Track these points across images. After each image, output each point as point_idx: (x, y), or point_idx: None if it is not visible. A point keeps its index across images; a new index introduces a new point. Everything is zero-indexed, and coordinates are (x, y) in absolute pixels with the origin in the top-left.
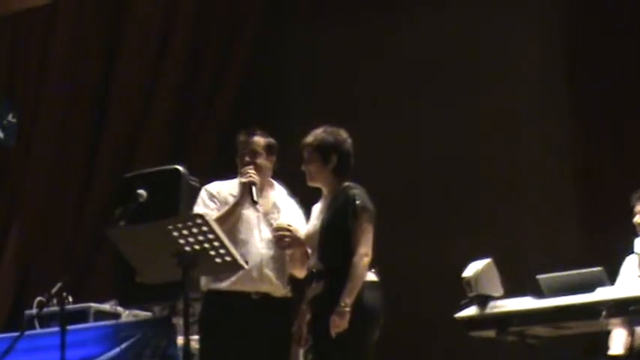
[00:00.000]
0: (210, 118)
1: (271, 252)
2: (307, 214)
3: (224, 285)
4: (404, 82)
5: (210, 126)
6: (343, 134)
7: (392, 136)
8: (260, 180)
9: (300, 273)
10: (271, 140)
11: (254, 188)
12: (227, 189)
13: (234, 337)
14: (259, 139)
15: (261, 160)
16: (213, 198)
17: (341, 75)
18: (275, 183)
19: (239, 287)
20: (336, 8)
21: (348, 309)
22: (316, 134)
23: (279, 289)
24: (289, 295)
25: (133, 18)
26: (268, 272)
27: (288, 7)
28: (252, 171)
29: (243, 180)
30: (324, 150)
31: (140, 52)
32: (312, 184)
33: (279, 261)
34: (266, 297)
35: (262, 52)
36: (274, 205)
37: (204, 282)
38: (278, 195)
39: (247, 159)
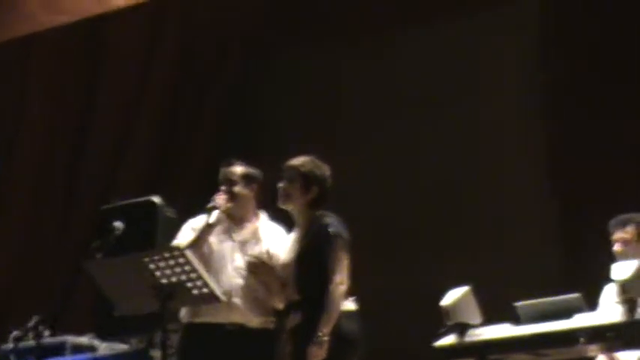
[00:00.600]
0: (192, 149)
1: (244, 282)
2: None
3: (200, 318)
4: (390, 101)
5: (191, 156)
6: (327, 171)
7: (370, 160)
8: (237, 209)
9: (279, 303)
10: (250, 170)
11: (214, 213)
12: (194, 223)
13: None
14: (235, 168)
15: (238, 189)
16: (194, 231)
17: (324, 98)
18: (260, 213)
19: (212, 319)
20: (322, 31)
21: (325, 338)
22: (304, 161)
23: (253, 319)
24: (269, 325)
25: (113, 51)
26: (237, 301)
27: (271, 35)
28: (220, 197)
29: (208, 205)
30: (308, 178)
31: (120, 83)
32: (285, 205)
33: (254, 291)
34: (241, 328)
35: (246, 78)
36: (254, 235)
37: (184, 314)
38: (262, 225)
39: (223, 187)
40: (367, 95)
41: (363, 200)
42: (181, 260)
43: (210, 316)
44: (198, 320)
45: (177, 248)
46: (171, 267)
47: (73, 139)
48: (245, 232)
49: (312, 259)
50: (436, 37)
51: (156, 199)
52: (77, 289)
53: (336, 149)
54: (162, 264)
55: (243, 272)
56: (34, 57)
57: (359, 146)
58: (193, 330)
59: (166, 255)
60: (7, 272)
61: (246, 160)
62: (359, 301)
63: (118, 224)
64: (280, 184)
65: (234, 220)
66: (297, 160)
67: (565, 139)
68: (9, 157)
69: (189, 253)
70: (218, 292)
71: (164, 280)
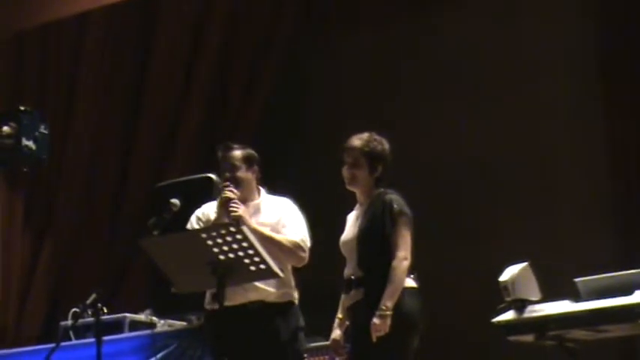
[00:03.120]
0: (240, 127)
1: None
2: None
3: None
4: (438, 84)
5: (240, 135)
6: (387, 145)
7: (422, 139)
8: (242, 193)
9: (291, 261)
10: (249, 151)
11: (236, 208)
12: (211, 209)
13: (237, 350)
14: (236, 153)
15: (241, 173)
16: (199, 221)
17: (374, 76)
18: (262, 190)
19: (231, 302)
20: (360, 14)
21: (389, 312)
22: (366, 140)
23: (270, 293)
24: (289, 299)
25: (163, 27)
26: None
27: (317, 16)
28: (229, 188)
29: (221, 198)
30: (373, 158)
31: (171, 62)
32: (352, 188)
33: None
34: (261, 304)
35: (293, 59)
36: (256, 210)
37: (207, 300)
38: (263, 200)
39: (227, 174)
40: (419, 73)
41: (418, 178)
42: (239, 236)
43: (228, 299)
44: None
45: (235, 224)
46: (229, 243)
47: (125, 116)
48: (247, 212)
49: (376, 235)
50: (487, 18)
51: (212, 175)
52: (134, 266)
53: (386, 128)
54: (219, 240)
55: None
56: (84, 35)
57: (411, 125)
58: (217, 316)
59: (223, 231)
60: (63, 249)
61: (294, 138)
62: (419, 278)
63: (175, 201)
64: (346, 168)
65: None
66: (359, 140)
67: (623, 114)
68: (62, 137)
69: (246, 229)
70: (276, 268)
71: (222, 257)
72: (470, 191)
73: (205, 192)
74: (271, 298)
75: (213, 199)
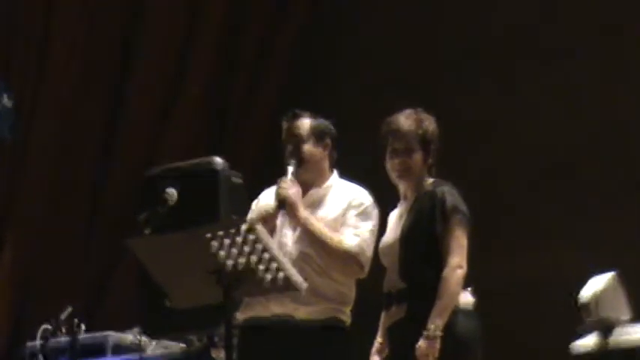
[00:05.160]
0: (255, 99)
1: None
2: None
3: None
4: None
5: (254, 109)
6: (435, 124)
7: (480, 123)
8: (306, 172)
9: (341, 271)
10: (322, 123)
11: (285, 187)
12: (267, 198)
13: None
14: (304, 122)
15: (308, 147)
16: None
17: (410, 53)
18: (333, 175)
19: (252, 313)
20: None
21: (439, 333)
22: (418, 120)
23: (298, 307)
24: (333, 316)
25: None
26: None
27: None
28: (286, 183)
29: (276, 193)
30: (429, 143)
31: (168, 16)
32: (405, 180)
33: (302, 269)
34: (287, 321)
35: (315, 23)
36: (319, 201)
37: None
38: (332, 187)
39: (290, 147)
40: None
41: (476, 169)
42: (252, 237)
43: (250, 309)
44: (240, 316)
45: (247, 221)
46: (240, 246)
47: (109, 87)
48: (306, 201)
49: (423, 237)
50: None
51: (217, 160)
52: (118, 273)
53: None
54: (227, 241)
55: (289, 250)
56: None
57: (464, 109)
58: (241, 330)
59: (233, 230)
60: (29, 252)
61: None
62: (476, 293)
63: (171, 191)
64: (397, 157)
65: (301, 185)
66: (409, 121)
67: None
68: (30, 111)
69: (261, 229)
70: (298, 278)
71: (230, 263)
72: (542, 186)
73: (209, 180)
74: (302, 315)
75: (218, 189)
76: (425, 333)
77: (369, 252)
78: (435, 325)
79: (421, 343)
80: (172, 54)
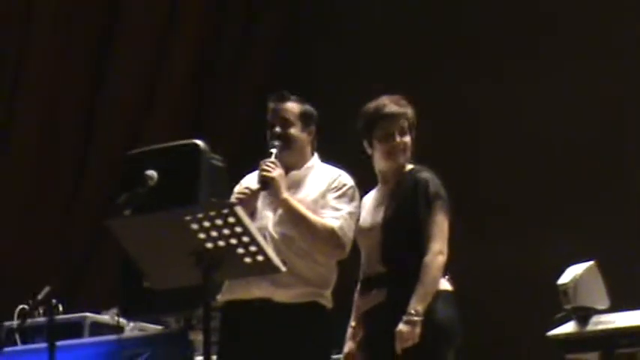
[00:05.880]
0: (239, 80)
1: (269, 241)
2: None
3: (222, 296)
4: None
5: (238, 91)
6: None
7: (470, 110)
8: (291, 155)
9: (324, 252)
10: (309, 108)
11: (270, 168)
12: (249, 183)
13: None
14: (293, 106)
15: (294, 131)
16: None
17: (405, 32)
18: (314, 157)
19: (233, 295)
20: None
21: (419, 318)
22: (406, 105)
23: (279, 291)
24: (314, 299)
25: None
26: None
27: None
28: (270, 165)
29: (259, 176)
30: (413, 127)
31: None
32: (391, 164)
33: (283, 251)
34: (267, 304)
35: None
36: (299, 182)
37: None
38: (312, 170)
39: (277, 129)
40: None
41: (457, 156)
42: (231, 220)
43: (230, 291)
44: (222, 299)
45: (227, 204)
46: (219, 228)
47: (90, 71)
48: (286, 183)
49: (405, 223)
50: None
51: (199, 142)
52: (97, 253)
53: (418, 100)
54: (206, 224)
55: (270, 232)
56: None
57: (453, 95)
58: (223, 312)
59: (213, 213)
60: (10, 232)
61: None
62: (454, 280)
63: (151, 173)
64: (390, 139)
65: (282, 167)
66: (396, 105)
67: None
68: (10, 96)
69: (240, 211)
70: (276, 260)
71: (209, 245)
72: (527, 175)
73: (190, 162)
74: (282, 297)
75: (199, 172)
76: (405, 317)
77: (351, 233)
78: (416, 309)
79: (401, 327)
80: (153, 42)
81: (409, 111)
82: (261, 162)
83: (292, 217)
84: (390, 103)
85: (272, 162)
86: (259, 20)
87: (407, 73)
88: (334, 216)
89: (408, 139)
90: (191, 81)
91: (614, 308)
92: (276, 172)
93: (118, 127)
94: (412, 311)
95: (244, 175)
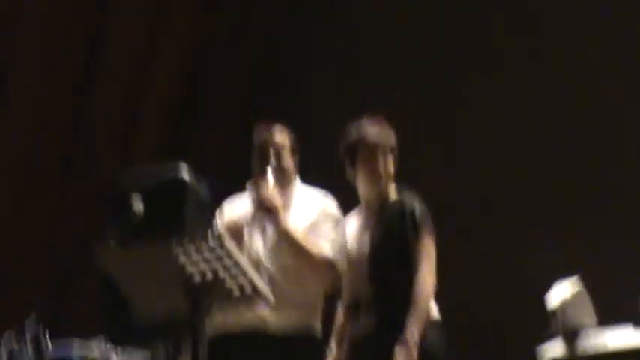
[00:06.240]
0: (218, 108)
1: (261, 273)
2: None
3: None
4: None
5: (217, 119)
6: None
7: (449, 126)
8: (280, 182)
9: (319, 281)
10: (292, 135)
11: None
12: (231, 208)
13: None
14: (283, 138)
15: (287, 164)
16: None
17: (381, 55)
18: (296, 180)
19: (224, 322)
20: None
21: (415, 343)
22: (385, 128)
23: (269, 321)
24: (307, 331)
25: None
26: None
27: None
28: (269, 189)
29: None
30: (394, 149)
31: (132, 24)
32: (377, 187)
33: (276, 277)
34: (259, 335)
35: (281, 27)
36: (285, 205)
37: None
38: (298, 193)
39: (271, 163)
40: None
41: (434, 174)
42: (219, 249)
43: (221, 322)
44: (212, 329)
45: (215, 236)
46: (208, 259)
47: (72, 92)
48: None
49: (393, 248)
50: None
51: (184, 168)
52: (83, 279)
53: (396, 112)
54: (194, 253)
55: (263, 257)
56: None
57: (429, 109)
58: (211, 345)
59: (199, 242)
60: None
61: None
62: (437, 297)
63: (137, 201)
64: (366, 164)
65: None
66: (375, 127)
67: None
68: None
69: (228, 241)
70: (266, 291)
71: (197, 276)
72: (508, 187)
73: (176, 193)
74: (275, 326)
75: (185, 199)
76: (401, 342)
77: (345, 261)
78: (412, 334)
79: (398, 351)
80: (137, 52)
81: (391, 136)
82: (251, 184)
83: (291, 248)
84: (371, 129)
85: (273, 190)
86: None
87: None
88: (330, 246)
89: (390, 164)
90: (177, 99)
91: (600, 324)
92: (280, 202)
93: (102, 153)
94: (408, 336)
95: (225, 199)
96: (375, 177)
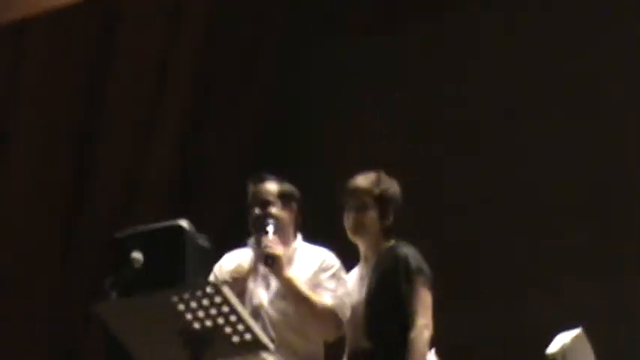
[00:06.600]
0: (223, 161)
1: (263, 320)
2: None
3: None
4: (460, 104)
5: (222, 172)
6: (398, 188)
7: (447, 175)
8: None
9: (321, 331)
10: (287, 187)
11: (274, 246)
12: (229, 262)
13: None
14: (271, 186)
15: (274, 211)
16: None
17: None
18: (298, 238)
19: None
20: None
21: None
22: (375, 180)
23: None
24: None
25: (124, 44)
26: None
27: (310, 27)
28: (272, 242)
29: (264, 254)
30: (385, 202)
31: (135, 79)
32: (357, 238)
33: (279, 328)
34: None
35: (285, 78)
36: (288, 261)
37: None
38: (298, 249)
39: (257, 211)
40: (436, 91)
41: (435, 221)
42: (218, 299)
43: None
44: None
45: (213, 284)
46: (206, 308)
47: (73, 152)
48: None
49: (388, 298)
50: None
51: (183, 222)
52: (87, 337)
53: (397, 160)
54: (194, 304)
55: (266, 309)
56: (30, 44)
57: (425, 156)
58: None
59: (199, 293)
60: None
61: (285, 175)
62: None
63: (137, 255)
64: (350, 213)
65: None
66: (367, 180)
67: None
68: None
69: (227, 291)
70: (265, 339)
71: (196, 325)
72: (499, 232)
73: (175, 243)
74: None
75: (184, 252)
76: None
77: (347, 312)
78: None
79: None
80: (138, 122)
81: (379, 186)
82: (254, 240)
83: (294, 296)
84: (358, 177)
85: (274, 239)
86: (244, 101)
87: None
88: (330, 296)
89: (370, 214)
90: (176, 164)
91: None
92: (280, 250)
93: (104, 209)
94: None
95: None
96: (349, 226)
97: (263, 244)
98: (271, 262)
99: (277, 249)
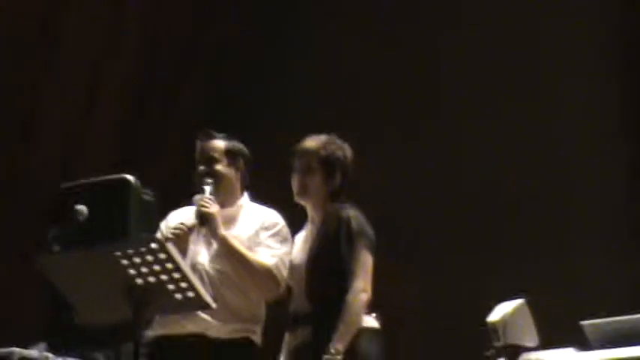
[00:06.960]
0: (171, 115)
1: (202, 278)
2: None
3: (153, 330)
4: (425, 94)
5: (170, 126)
6: (349, 152)
7: (406, 156)
8: (218, 192)
9: (259, 290)
10: (236, 144)
11: (208, 204)
12: (176, 219)
13: None
14: (217, 143)
15: (220, 168)
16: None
17: (345, 83)
18: (244, 196)
19: (165, 331)
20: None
21: (339, 357)
22: (323, 142)
23: (213, 326)
24: (245, 335)
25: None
26: None
27: None
28: (207, 201)
29: (197, 212)
30: (331, 164)
31: (84, 33)
32: (302, 199)
33: (218, 287)
34: (201, 339)
35: (240, 30)
36: (230, 219)
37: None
38: (243, 208)
39: (201, 168)
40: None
41: (389, 198)
42: (162, 256)
43: (163, 326)
44: (153, 333)
45: (157, 240)
46: (149, 264)
47: (19, 110)
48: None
49: (329, 261)
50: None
51: (129, 177)
52: (25, 286)
53: (359, 140)
54: (137, 260)
55: (206, 268)
56: None
57: (387, 138)
58: (151, 346)
59: (143, 249)
60: None
61: (233, 136)
62: (382, 317)
63: (81, 208)
64: (296, 175)
65: None
66: (314, 142)
67: None
68: None
69: (171, 248)
70: (207, 297)
71: (139, 281)
72: (458, 214)
73: (120, 197)
74: (216, 333)
75: (129, 207)
76: (325, 357)
77: (285, 271)
78: (336, 349)
79: None
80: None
81: (326, 149)
82: (197, 198)
83: (230, 255)
84: (307, 139)
85: (209, 198)
86: (193, 54)
87: None
88: (270, 254)
89: (315, 177)
90: (121, 117)
91: (543, 345)
92: (215, 208)
93: (48, 161)
94: (332, 350)
95: (171, 211)
96: (294, 187)
97: (198, 203)
98: (205, 221)
99: (212, 207)
